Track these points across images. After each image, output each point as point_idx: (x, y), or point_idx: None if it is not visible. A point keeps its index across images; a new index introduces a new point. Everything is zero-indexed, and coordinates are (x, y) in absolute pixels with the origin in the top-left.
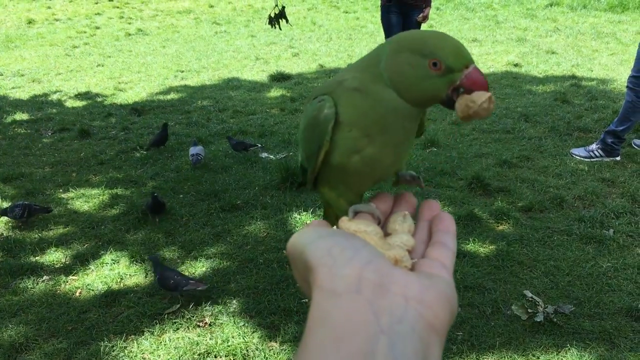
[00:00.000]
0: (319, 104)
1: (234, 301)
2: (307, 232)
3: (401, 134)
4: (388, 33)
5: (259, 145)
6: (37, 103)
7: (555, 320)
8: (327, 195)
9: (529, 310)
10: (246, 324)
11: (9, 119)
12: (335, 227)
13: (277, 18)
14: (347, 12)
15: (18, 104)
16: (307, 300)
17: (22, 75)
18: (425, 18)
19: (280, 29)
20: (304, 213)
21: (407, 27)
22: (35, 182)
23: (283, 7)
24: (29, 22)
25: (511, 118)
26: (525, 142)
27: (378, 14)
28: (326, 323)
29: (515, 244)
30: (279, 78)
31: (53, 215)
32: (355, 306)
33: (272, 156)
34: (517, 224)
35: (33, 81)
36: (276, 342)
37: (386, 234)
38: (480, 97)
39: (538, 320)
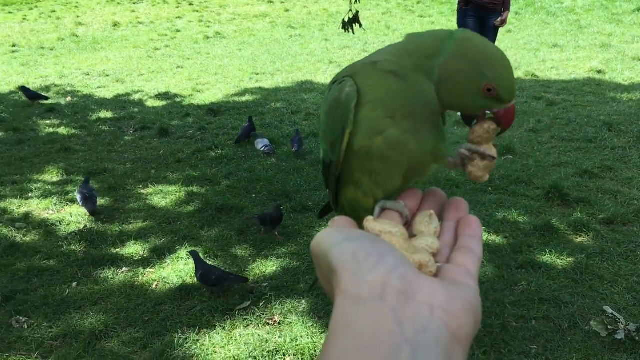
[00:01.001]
0: (340, 85)
1: (303, 301)
2: (332, 233)
3: (425, 124)
4: None
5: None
6: (120, 102)
7: (637, 338)
8: (352, 196)
9: (609, 327)
10: (315, 325)
11: (94, 117)
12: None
13: (351, 22)
14: (422, 17)
15: (103, 103)
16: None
17: (107, 75)
18: (504, 22)
19: (354, 33)
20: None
21: (484, 31)
22: (117, 177)
23: (357, 12)
24: (115, 25)
25: (593, 127)
26: (608, 152)
27: (454, 18)
28: (349, 330)
29: (595, 257)
30: None
31: (133, 209)
32: (379, 314)
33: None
34: (598, 236)
35: (117, 81)
36: None
37: (412, 235)
38: (484, 176)
39: (618, 337)
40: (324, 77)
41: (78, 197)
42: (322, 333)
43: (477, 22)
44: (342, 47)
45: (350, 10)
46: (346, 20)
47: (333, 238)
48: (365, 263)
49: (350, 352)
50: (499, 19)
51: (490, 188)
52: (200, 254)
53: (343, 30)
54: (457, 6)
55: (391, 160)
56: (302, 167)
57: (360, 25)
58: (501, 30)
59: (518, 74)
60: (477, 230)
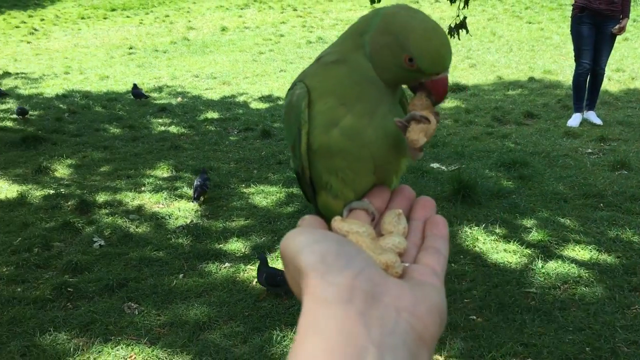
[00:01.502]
0: (292, 90)
1: None
2: (301, 234)
3: (378, 104)
4: (578, 46)
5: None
6: (226, 104)
7: None
8: (324, 201)
9: None
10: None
11: (202, 117)
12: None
13: (458, 28)
14: (530, 23)
15: (210, 104)
16: (472, 317)
17: (215, 77)
18: (622, 30)
19: (459, 39)
20: (476, 228)
21: (600, 39)
22: (222, 175)
23: (464, 18)
24: (223, 30)
25: None
26: None
27: (565, 25)
28: (317, 332)
29: None
30: (454, 89)
31: (235, 207)
32: (346, 316)
33: (443, 167)
34: None
35: (223, 83)
36: (441, 356)
37: (380, 234)
38: (420, 139)
39: None
40: None
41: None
42: None
43: (592, 30)
44: None
45: (458, 15)
46: (452, 26)
47: (302, 239)
48: (333, 266)
49: (318, 355)
50: (617, 27)
51: (602, 204)
52: None
53: (449, 36)
54: (571, 12)
55: (352, 154)
56: None
57: (467, 31)
58: (618, 38)
59: (636, 84)
60: (444, 230)
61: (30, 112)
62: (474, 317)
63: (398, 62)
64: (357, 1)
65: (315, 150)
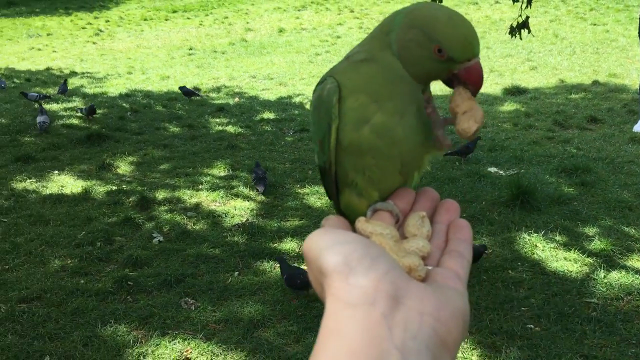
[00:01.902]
0: (322, 85)
1: None
2: (325, 234)
3: (409, 103)
4: None
5: None
6: (282, 104)
7: None
8: (347, 200)
9: None
10: (465, 340)
11: (258, 117)
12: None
13: (520, 28)
14: (595, 25)
15: (266, 104)
16: (528, 325)
17: (272, 78)
18: None
19: (521, 38)
20: (534, 234)
21: None
22: (277, 175)
23: (527, 17)
24: (280, 31)
25: None
26: None
27: (633, 27)
28: (340, 334)
29: None
30: (514, 92)
31: (290, 207)
32: (370, 319)
33: (501, 172)
34: None
35: (280, 84)
36: None
37: (403, 236)
38: (471, 126)
39: None
40: (484, 86)
41: (252, 176)
42: (472, 349)
43: None
44: (504, 56)
45: (520, 15)
46: (514, 25)
47: (325, 240)
48: (356, 267)
49: (340, 357)
50: None
51: None
52: None
53: (510, 36)
54: (638, 14)
55: (382, 152)
56: (457, 178)
57: (529, 31)
58: None
59: None
60: (467, 234)
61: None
62: (532, 326)
63: (427, 55)
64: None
65: (344, 147)
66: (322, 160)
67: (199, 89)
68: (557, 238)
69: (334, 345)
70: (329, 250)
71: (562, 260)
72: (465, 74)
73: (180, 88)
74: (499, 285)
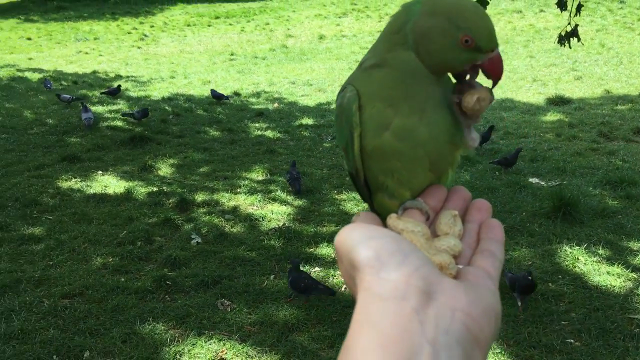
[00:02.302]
0: (342, 93)
1: None
2: (356, 229)
3: (426, 99)
4: None
5: None
6: (321, 110)
7: None
8: (380, 202)
9: None
10: (503, 352)
11: (297, 123)
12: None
13: (569, 36)
14: None
15: (305, 110)
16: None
17: (311, 84)
18: None
19: (570, 47)
20: (576, 247)
21: None
22: (314, 181)
23: (576, 25)
24: (320, 38)
25: None
26: None
27: None
28: (371, 327)
29: None
30: (558, 102)
31: (327, 212)
32: (401, 313)
33: (543, 182)
34: None
35: (319, 90)
36: None
37: (435, 234)
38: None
39: None
40: (526, 95)
41: (287, 177)
42: None
43: None
44: (548, 65)
45: (569, 23)
46: (562, 34)
47: (357, 235)
48: (389, 262)
49: (371, 350)
50: None
51: None
52: None
53: (559, 45)
54: None
55: (406, 154)
56: (497, 187)
57: (579, 39)
58: None
59: None
60: (499, 234)
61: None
62: (572, 341)
63: (451, 43)
64: None
65: (369, 153)
66: (349, 167)
67: (238, 94)
68: (600, 252)
69: (365, 337)
70: (361, 245)
71: (605, 275)
72: (489, 65)
73: (212, 91)
74: (538, 298)
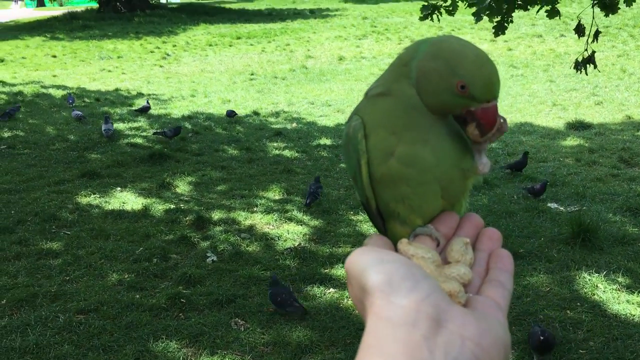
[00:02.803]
0: (348, 123)
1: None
2: (368, 253)
3: (428, 130)
4: None
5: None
6: (339, 131)
7: None
8: (392, 229)
9: None
10: None
11: (315, 143)
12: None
13: (585, 63)
14: None
15: (323, 130)
16: None
17: (330, 105)
18: None
19: (587, 74)
20: (596, 275)
21: None
22: (331, 201)
23: (593, 52)
24: (340, 59)
25: None
26: None
27: None
28: (380, 353)
29: None
30: (578, 127)
31: (343, 233)
32: (410, 340)
33: (562, 208)
34: None
35: (337, 111)
36: None
37: (445, 261)
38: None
39: None
40: (546, 119)
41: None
42: None
43: None
44: (568, 90)
45: (586, 49)
46: (579, 60)
47: (368, 259)
48: (399, 287)
49: None
50: None
51: None
52: None
53: (575, 71)
54: None
55: (415, 179)
56: (515, 212)
57: (595, 66)
58: None
59: None
60: (509, 265)
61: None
62: None
63: (448, 88)
64: (476, 34)
65: (378, 180)
66: (361, 196)
67: (258, 113)
68: (620, 279)
69: None
70: (372, 269)
71: (625, 303)
72: (481, 114)
73: (227, 111)
74: (556, 326)
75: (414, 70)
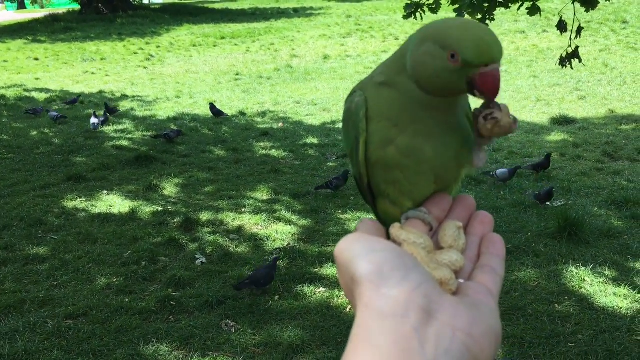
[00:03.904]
0: (351, 97)
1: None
2: (358, 241)
3: (432, 124)
4: None
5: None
6: (326, 130)
7: None
8: (384, 208)
9: None
10: None
11: (301, 142)
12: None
13: (570, 58)
14: None
15: (310, 130)
16: None
17: (315, 104)
18: None
19: (572, 67)
20: (582, 268)
21: None
22: (319, 201)
23: (577, 47)
24: (325, 58)
25: None
26: None
27: None
28: (370, 344)
29: None
30: (562, 121)
31: (331, 232)
32: (401, 331)
33: (548, 202)
34: None
35: (324, 110)
36: None
37: (438, 245)
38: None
39: None
40: (530, 115)
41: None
42: None
43: None
44: (551, 85)
45: (570, 45)
46: (564, 55)
47: (358, 247)
48: (389, 278)
49: None
50: None
51: None
52: None
53: (560, 66)
54: None
55: (411, 168)
56: (502, 207)
57: (580, 61)
58: None
59: None
60: (501, 250)
61: (144, 133)
62: None
63: (442, 65)
64: None
65: (373, 162)
66: (354, 171)
67: (244, 113)
68: (607, 272)
69: (364, 356)
70: (361, 258)
71: (612, 296)
72: (479, 79)
73: (210, 105)
74: (544, 320)
75: (408, 61)
